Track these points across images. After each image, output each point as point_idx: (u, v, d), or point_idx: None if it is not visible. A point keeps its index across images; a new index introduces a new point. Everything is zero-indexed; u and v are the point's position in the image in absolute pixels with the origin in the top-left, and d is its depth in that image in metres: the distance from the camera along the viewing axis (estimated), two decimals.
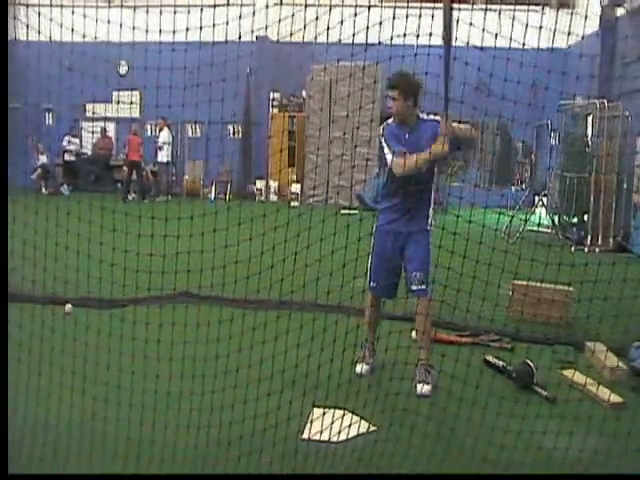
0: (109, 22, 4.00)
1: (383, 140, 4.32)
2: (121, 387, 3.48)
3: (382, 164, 4.53)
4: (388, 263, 4.37)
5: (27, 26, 3.82)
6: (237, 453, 3.18)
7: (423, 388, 4.23)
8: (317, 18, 3.80)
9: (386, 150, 4.29)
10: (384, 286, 4.47)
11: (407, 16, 3.61)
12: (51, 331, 3.73)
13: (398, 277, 4.47)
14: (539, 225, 11.35)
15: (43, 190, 16.88)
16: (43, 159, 17.45)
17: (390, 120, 4.39)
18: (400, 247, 4.36)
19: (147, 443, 3.18)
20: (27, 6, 3.98)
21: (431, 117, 4.29)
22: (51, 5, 3.94)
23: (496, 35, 3.98)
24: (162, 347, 3.66)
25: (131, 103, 17.14)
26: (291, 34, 3.87)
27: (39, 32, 3.79)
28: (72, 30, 3.92)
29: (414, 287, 4.30)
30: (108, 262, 4.08)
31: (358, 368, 4.53)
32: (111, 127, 18.70)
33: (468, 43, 3.82)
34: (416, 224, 4.32)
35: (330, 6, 4.11)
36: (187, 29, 3.80)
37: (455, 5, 3.67)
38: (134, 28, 3.87)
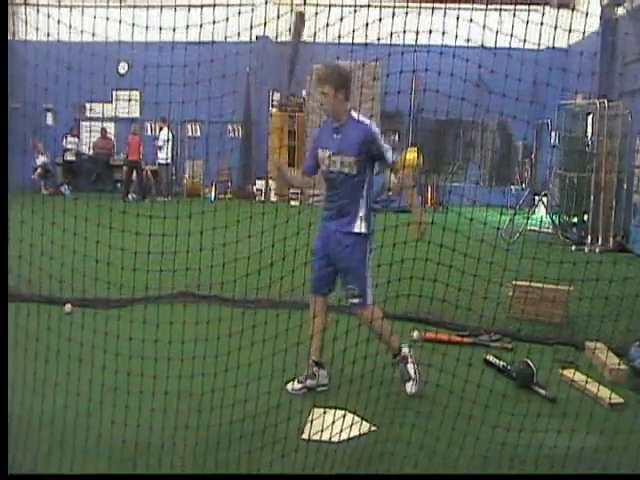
0: (107, 19, 3.98)
1: (312, 140, 4.27)
2: (118, 389, 3.46)
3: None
4: (322, 262, 4.18)
5: (26, 24, 3.80)
6: (237, 453, 3.17)
7: (412, 388, 4.14)
8: (316, 15, 3.79)
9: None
10: (319, 285, 4.23)
11: (407, 13, 3.60)
12: (47, 331, 3.71)
13: (333, 274, 4.22)
14: (539, 225, 11.34)
15: (43, 190, 16.86)
16: (43, 159, 17.44)
17: (324, 120, 4.32)
18: (332, 250, 4.14)
19: (145, 444, 3.16)
20: (25, 4, 3.96)
21: (363, 119, 4.11)
22: (49, 5, 3.94)
23: (497, 33, 3.97)
24: (160, 347, 3.64)
25: (129, 100, 17.11)
26: (290, 34, 3.85)
27: (37, 29, 3.77)
28: (71, 29, 3.90)
29: (350, 300, 4.13)
30: (106, 262, 4.06)
31: (289, 386, 4.19)
32: (111, 127, 18.69)
33: (468, 41, 3.80)
34: (340, 225, 4.08)
35: (329, 5, 4.10)
36: (187, 28, 3.79)
37: (456, 4, 3.66)
38: (134, 27, 3.86)
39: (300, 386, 4.20)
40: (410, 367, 4.19)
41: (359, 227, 4.06)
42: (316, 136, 4.37)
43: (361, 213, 4.06)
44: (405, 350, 4.25)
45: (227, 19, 3.74)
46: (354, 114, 4.11)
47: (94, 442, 3.21)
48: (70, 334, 3.72)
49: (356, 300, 4.07)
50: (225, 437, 3.25)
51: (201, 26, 3.71)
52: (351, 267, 4.07)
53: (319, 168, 4.22)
